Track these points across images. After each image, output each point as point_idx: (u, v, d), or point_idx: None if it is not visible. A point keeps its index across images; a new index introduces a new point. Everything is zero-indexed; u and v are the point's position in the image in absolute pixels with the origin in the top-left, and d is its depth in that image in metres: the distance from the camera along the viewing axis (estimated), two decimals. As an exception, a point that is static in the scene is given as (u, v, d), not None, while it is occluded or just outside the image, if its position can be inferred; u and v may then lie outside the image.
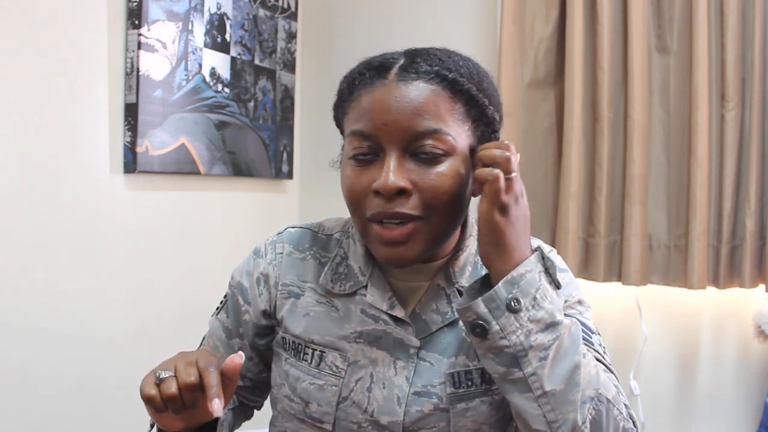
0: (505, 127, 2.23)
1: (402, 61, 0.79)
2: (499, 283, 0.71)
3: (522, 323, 0.70)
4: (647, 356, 1.93)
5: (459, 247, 0.85)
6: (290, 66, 2.22)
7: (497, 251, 0.72)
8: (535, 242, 0.83)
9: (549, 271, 0.73)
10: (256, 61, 2.06)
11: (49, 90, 1.50)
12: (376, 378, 0.82)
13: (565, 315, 0.77)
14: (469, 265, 0.85)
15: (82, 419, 1.58)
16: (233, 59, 1.96)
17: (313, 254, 0.90)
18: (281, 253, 0.91)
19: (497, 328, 0.70)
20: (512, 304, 0.70)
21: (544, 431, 0.71)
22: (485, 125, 0.82)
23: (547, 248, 0.89)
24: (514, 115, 1.93)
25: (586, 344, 0.78)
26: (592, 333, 0.83)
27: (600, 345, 0.83)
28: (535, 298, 0.71)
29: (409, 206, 0.75)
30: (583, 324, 0.82)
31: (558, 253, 2.12)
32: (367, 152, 0.77)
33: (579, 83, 1.87)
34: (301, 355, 0.86)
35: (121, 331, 1.68)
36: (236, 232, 2.02)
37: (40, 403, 1.49)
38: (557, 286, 0.74)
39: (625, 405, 0.78)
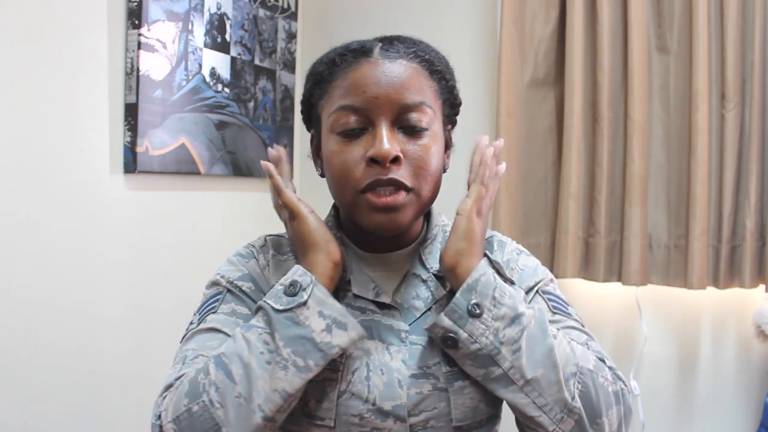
0: (505, 127, 2.22)
1: (381, 44, 0.83)
2: (457, 294, 0.77)
3: (488, 324, 0.76)
4: (647, 356, 1.93)
5: (427, 236, 0.90)
6: (290, 66, 2.22)
7: (469, 247, 0.80)
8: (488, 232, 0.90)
9: (500, 272, 0.80)
10: (256, 61, 2.06)
11: (49, 90, 1.49)
12: (372, 366, 0.81)
13: (544, 293, 0.87)
14: (438, 253, 0.89)
15: (82, 417, 1.58)
16: (233, 59, 1.96)
17: (294, 258, 0.90)
18: (267, 255, 0.91)
19: (465, 335, 0.76)
20: (473, 309, 0.76)
21: (539, 416, 0.75)
22: (450, 107, 0.88)
23: (499, 236, 0.96)
24: (514, 115, 1.93)
25: (564, 316, 0.85)
26: (568, 305, 0.88)
27: (576, 316, 0.87)
28: (494, 298, 0.77)
29: (401, 174, 0.79)
30: (559, 298, 0.89)
31: (558, 253, 2.11)
32: (355, 126, 0.80)
33: (579, 83, 1.87)
34: None
35: (120, 332, 1.68)
36: (236, 232, 2.02)
37: (39, 400, 1.49)
38: (511, 282, 0.80)
39: (610, 368, 0.81)
